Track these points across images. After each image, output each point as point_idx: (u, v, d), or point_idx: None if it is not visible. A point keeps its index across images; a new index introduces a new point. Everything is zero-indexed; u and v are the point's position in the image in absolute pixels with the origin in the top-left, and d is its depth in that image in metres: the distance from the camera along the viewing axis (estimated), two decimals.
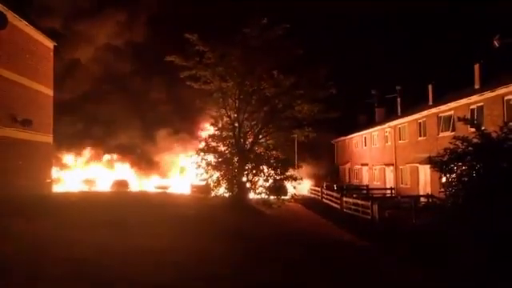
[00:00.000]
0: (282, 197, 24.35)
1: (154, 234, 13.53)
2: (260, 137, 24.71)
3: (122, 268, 9.50)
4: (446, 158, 11.21)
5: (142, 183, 36.99)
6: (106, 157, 39.84)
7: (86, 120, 39.01)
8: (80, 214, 16.57)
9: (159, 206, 21.32)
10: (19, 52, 21.85)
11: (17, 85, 21.43)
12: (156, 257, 10.63)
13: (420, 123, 29.11)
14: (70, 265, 9.37)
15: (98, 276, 8.81)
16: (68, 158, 37.11)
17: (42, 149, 24.14)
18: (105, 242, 11.84)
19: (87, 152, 38.94)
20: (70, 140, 35.95)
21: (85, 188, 32.05)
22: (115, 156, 40.00)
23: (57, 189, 27.87)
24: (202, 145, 24.45)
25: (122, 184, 33.30)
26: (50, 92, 25.13)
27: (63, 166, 35.62)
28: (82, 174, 35.72)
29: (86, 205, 20.34)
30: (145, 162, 39.81)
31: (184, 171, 36.65)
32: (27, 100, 22.52)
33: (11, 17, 19.93)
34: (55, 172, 29.49)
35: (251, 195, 24.38)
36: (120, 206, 19.99)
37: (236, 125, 24.21)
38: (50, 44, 24.91)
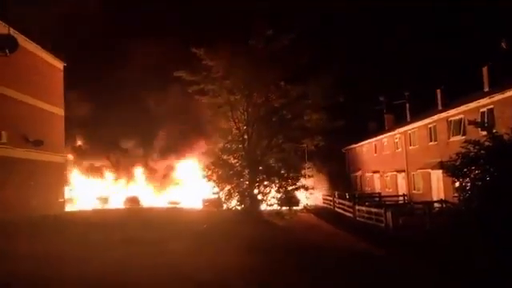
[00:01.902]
0: (294, 207, 24.25)
1: (171, 250, 13.46)
2: (270, 148, 24.67)
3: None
4: (458, 163, 11.10)
5: (153, 199, 37.13)
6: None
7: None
8: (93, 233, 16.59)
9: (173, 222, 21.31)
10: (30, 73, 22.22)
11: (28, 106, 21.76)
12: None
13: (430, 128, 28.89)
14: (85, 283, 9.39)
15: None
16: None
17: (53, 168, 24.39)
18: (122, 260, 11.84)
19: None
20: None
21: (98, 205, 32.28)
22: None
23: (70, 208, 28.03)
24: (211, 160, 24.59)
25: (134, 200, 33.65)
26: (60, 112, 25.47)
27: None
28: (96, 191, 36.03)
29: (100, 223, 20.38)
30: (156, 179, 40.05)
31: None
32: (38, 120, 22.84)
33: (21, 40, 20.30)
34: (68, 191, 29.72)
35: (263, 207, 24.29)
36: (134, 223, 20.03)
37: (245, 137, 24.19)
38: (59, 65, 25.31)
